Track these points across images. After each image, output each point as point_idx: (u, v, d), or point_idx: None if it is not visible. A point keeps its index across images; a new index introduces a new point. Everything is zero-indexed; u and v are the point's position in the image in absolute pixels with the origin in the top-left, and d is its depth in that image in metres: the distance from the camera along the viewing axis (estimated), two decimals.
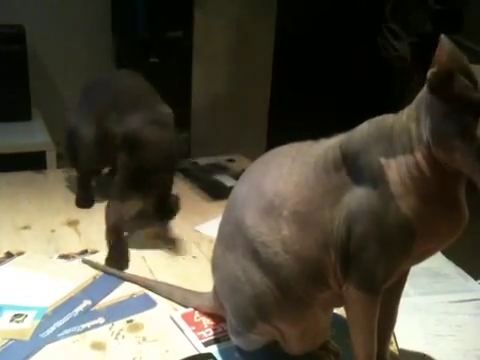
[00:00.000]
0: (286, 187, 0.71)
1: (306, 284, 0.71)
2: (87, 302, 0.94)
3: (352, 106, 2.77)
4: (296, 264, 0.70)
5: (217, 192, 1.47)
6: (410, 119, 0.65)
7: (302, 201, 0.70)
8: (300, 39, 2.90)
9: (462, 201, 0.67)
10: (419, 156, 0.63)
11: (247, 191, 0.76)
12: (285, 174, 0.73)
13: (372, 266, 0.67)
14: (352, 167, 0.68)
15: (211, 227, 1.25)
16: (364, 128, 0.70)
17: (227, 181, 1.54)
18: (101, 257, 1.09)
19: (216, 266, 0.82)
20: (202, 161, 1.72)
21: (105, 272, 1.04)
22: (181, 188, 1.50)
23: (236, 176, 1.58)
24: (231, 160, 1.74)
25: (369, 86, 2.73)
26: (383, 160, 0.65)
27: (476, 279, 1.08)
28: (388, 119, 0.68)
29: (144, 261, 1.09)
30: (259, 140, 2.73)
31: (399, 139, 0.65)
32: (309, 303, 0.72)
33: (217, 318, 0.88)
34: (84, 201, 1.34)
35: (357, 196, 0.66)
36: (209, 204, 1.41)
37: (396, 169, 0.64)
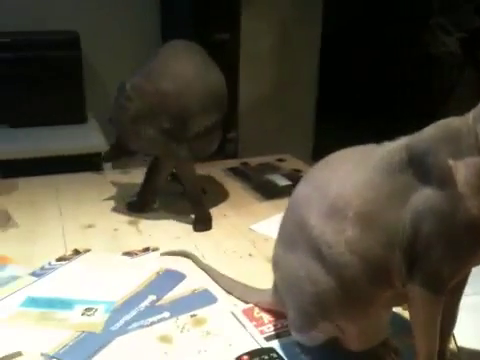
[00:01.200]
0: (350, 189, 0.73)
1: (369, 283, 0.72)
2: (152, 297, 0.99)
3: (400, 105, 2.75)
4: (360, 264, 0.71)
5: (270, 191, 1.50)
6: (476, 120, 0.66)
7: (366, 203, 0.72)
8: (346, 39, 2.90)
9: None
10: None
11: (311, 192, 0.78)
12: (349, 177, 0.75)
13: (438, 266, 0.68)
14: (419, 168, 0.69)
15: (266, 226, 1.28)
16: (431, 130, 0.71)
17: (279, 180, 1.57)
18: (161, 254, 1.14)
19: (277, 264, 0.85)
20: (252, 161, 1.76)
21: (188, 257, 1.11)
22: (233, 188, 1.54)
23: (287, 175, 1.61)
24: (281, 160, 1.77)
25: (418, 84, 2.70)
26: (451, 161, 0.66)
27: None
28: (455, 121, 0.69)
29: (203, 259, 1.13)
30: (306, 140, 2.74)
31: (466, 141, 0.66)
32: (371, 302, 0.74)
33: (277, 314, 0.91)
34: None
35: (424, 196, 0.68)
36: (262, 203, 1.44)
37: (464, 170, 0.66)
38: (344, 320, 0.75)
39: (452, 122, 0.69)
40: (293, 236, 0.80)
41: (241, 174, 1.65)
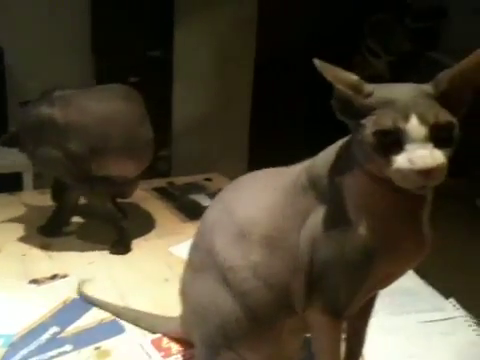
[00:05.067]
0: (257, 212, 0.72)
1: (274, 310, 0.70)
2: (55, 329, 0.93)
3: (333, 124, 2.80)
4: (265, 290, 0.70)
5: (193, 212, 1.47)
6: (351, 139, 0.66)
7: (272, 226, 0.70)
8: (280, 57, 2.94)
9: (423, 222, 0.67)
10: (362, 174, 0.64)
11: (218, 216, 0.76)
12: (256, 199, 0.73)
13: (335, 290, 0.67)
14: (316, 190, 0.69)
15: (186, 248, 1.23)
16: (327, 150, 0.71)
17: (203, 201, 1.54)
18: (72, 281, 1.08)
19: (184, 292, 0.81)
20: (179, 180, 1.72)
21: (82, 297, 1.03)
22: (157, 208, 1.50)
23: (213, 195, 1.57)
24: (208, 179, 1.74)
25: None
26: (339, 181, 0.66)
27: (447, 298, 1.08)
28: (343, 141, 0.69)
29: (114, 285, 1.08)
30: (241, 159, 2.74)
31: (348, 160, 0.66)
32: (276, 328, 0.72)
33: (186, 343, 0.88)
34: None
35: (319, 219, 0.67)
36: (185, 224, 1.40)
37: (350, 189, 0.65)
38: (248, 349, 0.73)
39: (340, 143, 0.69)
40: (201, 262, 0.77)
41: (166, 194, 1.61)
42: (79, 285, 1.05)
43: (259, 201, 0.73)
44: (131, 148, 1.19)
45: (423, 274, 1.17)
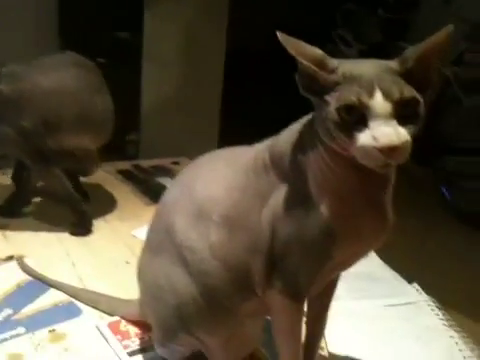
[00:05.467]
0: (217, 191, 0.70)
1: (232, 292, 0.68)
2: (8, 311, 0.89)
3: (304, 110, 2.79)
4: (223, 271, 0.68)
5: (158, 195, 1.42)
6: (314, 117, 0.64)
7: (232, 205, 0.68)
8: (252, 42, 2.91)
9: (386, 203, 0.65)
10: (323, 152, 0.62)
11: (178, 195, 0.74)
12: (217, 178, 0.71)
13: (295, 271, 0.65)
14: (278, 169, 0.67)
15: None
16: (289, 129, 0.69)
17: (170, 184, 1.51)
18: (28, 263, 1.04)
19: (141, 273, 0.79)
20: (145, 163, 1.69)
21: (34, 277, 0.99)
22: (121, 191, 1.46)
23: None
24: (176, 163, 1.71)
25: None
26: (301, 159, 0.64)
27: (410, 282, 1.08)
28: (306, 118, 0.67)
29: (73, 267, 1.05)
30: (210, 144, 2.70)
31: (311, 137, 0.64)
32: (234, 312, 0.70)
33: (145, 326, 0.85)
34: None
35: (281, 198, 0.65)
36: (149, 207, 1.37)
37: (312, 168, 0.63)
38: (205, 332, 0.71)
39: (303, 120, 0.67)
40: (159, 243, 0.74)
41: (132, 177, 1.57)
42: (27, 267, 1.01)
43: (219, 180, 0.70)
44: (86, 118, 1.15)
45: (387, 260, 1.17)
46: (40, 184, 1.31)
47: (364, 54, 3.00)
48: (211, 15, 2.73)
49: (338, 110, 0.57)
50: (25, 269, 1.01)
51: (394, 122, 0.56)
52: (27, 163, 1.19)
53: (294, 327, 0.69)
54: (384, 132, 0.55)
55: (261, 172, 0.68)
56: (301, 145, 0.65)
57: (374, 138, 0.55)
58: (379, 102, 0.56)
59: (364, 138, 0.56)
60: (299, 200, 0.63)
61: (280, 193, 0.65)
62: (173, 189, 0.77)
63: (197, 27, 2.70)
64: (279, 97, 2.93)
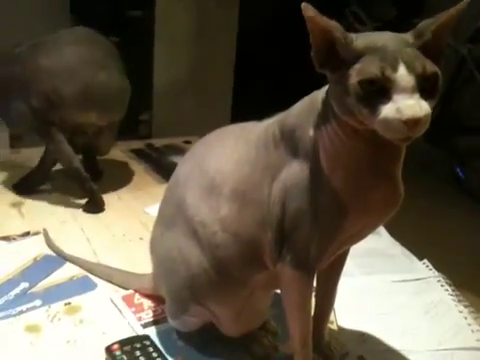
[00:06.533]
0: (227, 165, 0.70)
1: (243, 264, 0.69)
2: (24, 284, 0.91)
3: (316, 88, 2.78)
4: (234, 244, 0.69)
5: (171, 174, 1.45)
6: (328, 92, 0.64)
7: (242, 179, 0.69)
8: (264, 21, 2.88)
9: (397, 177, 0.66)
10: (336, 127, 0.62)
11: (190, 170, 0.75)
12: (227, 152, 0.71)
13: (306, 244, 0.66)
14: (289, 142, 0.67)
15: None
16: (298, 105, 0.69)
17: (181, 159, 1.52)
18: (44, 239, 1.06)
19: (154, 247, 0.80)
20: (158, 142, 1.70)
21: (54, 251, 1.02)
22: (134, 169, 1.48)
23: None
24: (188, 142, 1.72)
25: None
26: (313, 133, 0.64)
27: (420, 259, 1.09)
28: (319, 93, 0.67)
29: (88, 242, 1.07)
30: (222, 123, 2.70)
31: (323, 112, 0.64)
32: (245, 284, 0.71)
33: (158, 299, 0.87)
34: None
35: (292, 171, 0.66)
36: (162, 185, 1.38)
37: (324, 142, 0.63)
38: (216, 304, 0.72)
39: (317, 94, 0.67)
40: (171, 217, 0.75)
41: (144, 156, 1.59)
42: (49, 241, 1.04)
43: (230, 155, 0.71)
44: (87, 94, 1.15)
45: (398, 237, 1.18)
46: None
47: (378, 31, 2.97)
48: None
49: (360, 83, 0.57)
50: (48, 242, 1.04)
51: (417, 95, 0.56)
52: (42, 140, 1.21)
53: (304, 300, 0.70)
54: (408, 105, 0.55)
55: (271, 146, 0.68)
56: (313, 119, 0.65)
57: (398, 111, 0.55)
58: (403, 75, 0.56)
59: (388, 111, 0.56)
60: (310, 173, 0.64)
61: (291, 167, 0.66)
62: (184, 164, 0.78)
63: (209, 6, 2.68)
64: (291, 76, 2.91)
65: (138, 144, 1.69)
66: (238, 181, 0.69)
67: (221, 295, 0.71)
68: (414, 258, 1.10)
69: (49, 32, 2.13)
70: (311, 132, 0.64)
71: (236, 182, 0.69)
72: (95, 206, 1.21)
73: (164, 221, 0.78)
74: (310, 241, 0.65)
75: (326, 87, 0.65)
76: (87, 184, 1.21)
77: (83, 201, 1.23)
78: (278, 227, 0.67)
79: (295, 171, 0.65)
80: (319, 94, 0.66)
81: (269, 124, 0.71)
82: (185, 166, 0.77)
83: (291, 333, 0.72)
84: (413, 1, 2.91)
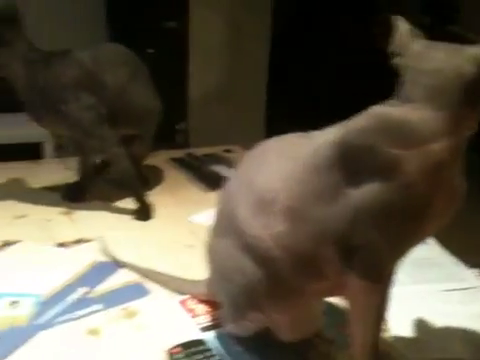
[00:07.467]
0: (278, 183, 0.71)
1: (298, 277, 0.71)
2: (83, 289, 0.94)
3: (349, 95, 2.78)
4: (288, 258, 0.70)
5: (214, 182, 1.47)
6: (438, 107, 0.64)
7: (294, 197, 0.69)
8: (297, 30, 2.90)
9: (457, 175, 0.68)
10: (444, 141, 0.64)
11: (239, 186, 0.76)
12: (274, 170, 0.72)
13: (379, 256, 0.67)
14: (352, 164, 0.67)
15: (207, 217, 1.25)
16: (362, 121, 0.68)
17: (224, 171, 1.54)
18: (96, 246, 1.10)
19: (209, 254, 0.82)
20: (198, 151, 1.72)
21: (109, 257, 1.05)
22: (177, 178, 1.50)
23: (233, 166, 1.58)
24: (228, 150, 1.74)
25: (364, 75, 2.73)
26: (396, 151, 0.64)
27: (469, 268, 1.08)
28: (392, 111, 0.67)
29: (137, 249, 1.10)
30: (257, 131, 2.73)
31: (419, 129, 0.64)
32: (300, 293, 0.72)
33: (213, 305, 0.89)
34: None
35: (363, 192, 0.65)
36: (205, 194, 1.41)
37: (413, 158, 0.64)
38: (273, 311, 0.74)
39: (387, 112, 0.67)
40: (224, 228, 0.78)
41: (186, 164, 1.61)
42: (106, 248, 1.07)
43: (280, 171, 0.72)
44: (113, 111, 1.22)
45: (447, 245, 1.17)
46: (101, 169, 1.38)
47: None
48: (256, 3, 2.75)
49: None
50: (103, 249, 1.07)
51: None
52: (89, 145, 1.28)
53: (373, 309, 0.70)
54: None
55: (325, 167, 0.68)
56: (392, 137, 0.65)
57: None
58: None
59: None
60: (391, 191, 0.64)
61: (360, 187, 0.66)
62: (234, 180, 0.79)
63: (242, 15, 2.72)
64: (323, 84, 2.92)
65: (178, 153, 1.72)
66: (289, 200, 0.70)
67: (278, 303, 0.73)
68: (463, 267, 1.09)
69: (85, 42, 2.19)
70: (393, 152, 0.64)
71: (287, 200, 0.70)
72: (145, 214, 1.24)
73: (219, 230, 0.80)
74: (384, 253, 0.67)
75: (402, 106, 0.66)
76: (139, 191, 1.25)
77: (128, 208, 1.26)
78: (343, 242, 0.67)
79: (369, 190, 0.65)
80: (393, 111, 0.67)
81: (320, 145, 0.70)
82: (234, 182, 0.79)
83: (355, 341, 0.72)
84: (447, 9, 2.89)
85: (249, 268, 0.72)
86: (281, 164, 0.72)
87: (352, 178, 0.66)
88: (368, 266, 0.67)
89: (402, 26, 0.68)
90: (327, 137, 0.70)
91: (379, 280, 0.69)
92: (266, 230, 0.70)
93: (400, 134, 0.65)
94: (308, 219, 0.68)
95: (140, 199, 1.25)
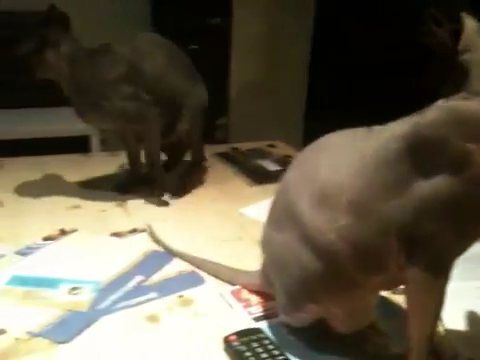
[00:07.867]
0: (342, 177, 0.71)
1: (359, 270, 0.71)
2: (139, 277, 0.98)
3: (391, 92, 2.75)
4: (351, 251, 0.70)
5: (260, 176, 1.50)
6: None
7: (359, 191, 0.70)
8: (338, 26, 2.89)
9: None
10: None
11: (300, 178, 0.77)
12: (340, 163, 0.73)
13: (444, 249, 0.67)
14: (420, 157, 0.67)
15: (255, 210, 1.27)
16: (433, 114, 0.68)
17: (269, 166, 1.56)
18: (149, 236, 1.13)
19: (265, 246, 0.84)
20: (243, 146, 1.75)
21: (161, 246, 1.08)
22: (222, 172, 1.53)
23: (278, 161, 1.60)
24: (272, 145, 1.76)
25: (408, 71, 2.70)
26: (469, 145, 0.64)
27: None
28: (463, 104, 0.67)
29: (188, 240, 1.12)
30: (297, 126, 2.73)
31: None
32: (359, 286, 0.73)
33: (265, 296, 0.91)
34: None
35: (431, 184, 0.66)
36: (252, 188, 1.43)
37: None
38: (330, 303, 0.75)
39: (458, 105, 0.67)
40: (281, 220, 0.79)
41: (231, 159, 1.64)
42: (159, 238, 1.10)
43: (344, 165, 0.72)
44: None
45: None
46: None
47: (457, 34, 2.90)
48: (298, 2, 2.75)
49: None
50: (154, 238, 1.11)
51: None
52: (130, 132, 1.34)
53: (433, 303, 0.71)
54: None
55: (391, 161, 0.68)
56: (464, 130, 0.65)
57: None
58: None
59: None
60: (462, 184, 0.65)
61: (429, 181, 0.66)
62: (294, 172, 0.80)
63: (284, 12, 2.73)
64: (365, 75, 2.90)
65: (224, 148, 1.75)
66: (354, 194, 0.70)
67: (336, 296, 0.74)
68: None
69: (130, 39, 2.23)
70: (465, 145, 0.65)
71: (352, 195, 0.70)
72: (159, 200, 1.30)
73: (274, 223, 0.81)
74: (449, 246, 0.67)
75: (475, 99, 0.66)
76: (161, 178, 1.33)
77: (178, 201, 1.30)
78: (407, 236, 0.68)
79: (438, 183, 0.66)
80: (466, 104, 0.67)
81: (386, 138, 0.71)
82: (295, 173, 0.79)
83: (413, 335, 0.73)
84: None
85: (308, 260, 0.73)
86: (345, 158, 0.73)
87: (421, 170, 0.67)
88: (432, 259, 0.68)
89: (469, 23, 0.68)
90: (394, 131, 0.71)
91: (441, 273, 0.69)
92: (329, 223, 0.71)
93: (472, 127, 0.65)
94: (373, 213, 0.69)
95: (161, 185, 1.30)
